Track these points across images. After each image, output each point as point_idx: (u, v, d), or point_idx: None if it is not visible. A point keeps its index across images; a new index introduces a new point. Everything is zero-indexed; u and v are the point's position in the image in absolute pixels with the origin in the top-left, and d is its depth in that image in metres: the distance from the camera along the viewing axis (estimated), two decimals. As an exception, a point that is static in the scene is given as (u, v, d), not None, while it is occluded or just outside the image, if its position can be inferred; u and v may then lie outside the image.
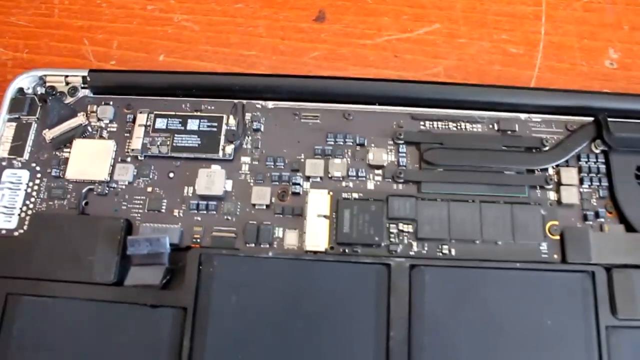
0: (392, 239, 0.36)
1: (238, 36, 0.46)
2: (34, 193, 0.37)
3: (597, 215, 0.37)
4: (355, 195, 0.37)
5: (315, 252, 0.35)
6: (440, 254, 0.35)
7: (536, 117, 0.39)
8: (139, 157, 0.38)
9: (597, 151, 0.38)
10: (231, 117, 0.38)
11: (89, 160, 0.38)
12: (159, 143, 0.38)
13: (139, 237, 0.34)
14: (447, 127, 0.39)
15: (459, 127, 0.39)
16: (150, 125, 0.38)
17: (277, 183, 0.37)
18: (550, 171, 0.38)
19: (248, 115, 0.39)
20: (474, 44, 0.45)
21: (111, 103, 0.39)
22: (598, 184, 0.37)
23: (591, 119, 0.39)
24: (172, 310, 0.34)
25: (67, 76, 0.40)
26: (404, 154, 0.38)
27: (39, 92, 0.40)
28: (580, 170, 0.38)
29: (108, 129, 0.39)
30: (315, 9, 0.47)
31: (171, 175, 0.38)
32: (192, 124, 0.38)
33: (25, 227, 0.36)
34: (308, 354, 0.33)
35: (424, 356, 0.33)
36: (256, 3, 0.47)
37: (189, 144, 0.38)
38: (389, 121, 0.39)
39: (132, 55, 0.45)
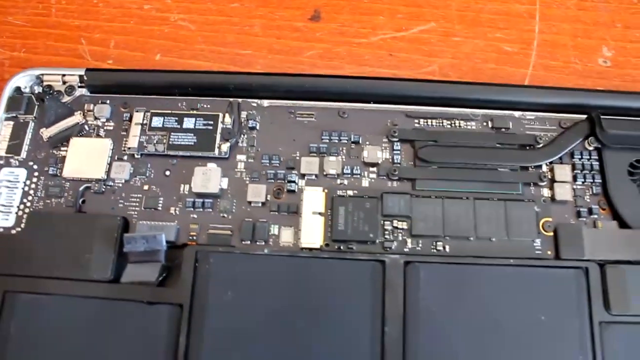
0: (386, 236, 0.36)
1: (234, 35, 0.46)
2: (31, 191, 0.37)
3: (590, 211, 0.37)
4: (350, 192, 0.37)
5: (310, 249, 0.35)
6: (435, 250, 0.36)
7: (530, 115, 0.39)
8: (136, 156, 0.38)
9: (591, 148, 0.38)
10: (227, 115, 0.39)
11: (86, 159, 0.38)
12: (155, 141, 0.38)
13: (135, 235, 0.34)
14: (441, 124, 0.39)
15: (453, 125, 0.39)
16: (146, 123, 0.39)
17: (273, 181, 0.37)
18: (544, 168, 0.38)
19: (244, 114, 0.39)
20: (468, 43, 0.46)
21: (108, 102, 0.40)
22: (591, 180, 0.38)
23: (584, 116, 0.39)
24: (168, 307, 0.34)
25: (64, 75, 0.40)
26: (399, 152, 0.38)
27: (36, 91, 0.40)
28: (573, 167, 0.38)
29: (105, 128, 0.39)
30: (310, 8, 0.47)
31: (167, 173, 0.38)
32: (188, 123, 0.38)
33: (22, 226, 0.36)
34: (304, 351, 0.33)
35: (419, 352, 0.33)
36: (252, 2, 0.47)
37: (185, 142, 0.38)
38: (383, 119, 0.39)
39: (129, 54, 0.45)
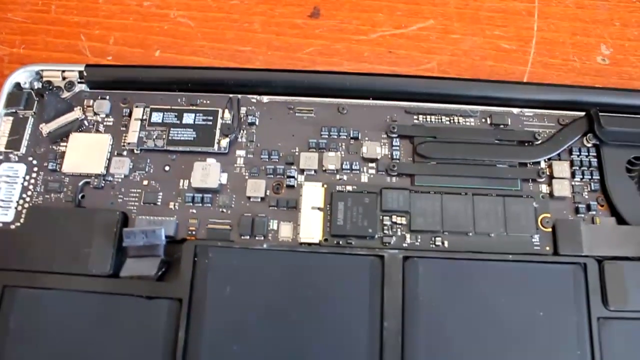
0: (385, 231, 0.36)
1: (233, 32, 0.46)
2: (31, 186, 0.37)
3: (588, 208, 0.37)
4: (349, 188, 0.37)
5: (309, 244, 0.35)
6: (434, 245, 0.36)
7: (528, 112, 0.39)
8: (135, 151, 0.38)
9: (589, 145, 0.38)
10: (226, 111, 0.39)
11: (86, 154, 0.38)
12: (154, 137, 0.38)
13: (134, 229, 0.34)
14: (440, 121, 0.39)
15: (452, 121, 0.39)
16: (146, 119, 0.39)
17: (272, 176, 0.37)
18: (543, 164, 0.38)
19: (243, 109, 0.39)
20: (467, 40, 0.46)
21: (107, 97, 0.40)
22: (590, 177, 0.38)
23: (583, 113, 0.39)
24: (167, 302, 0.34)
25: (63, 71, 0.40)
26: (398, 148, 0.38)
27: (35, 87, 0.40)
28: (572, 163, 0.38)
29: (104, 123, 0.39)
30: (309, 5, 0.47)
31: (167, 168, 0.38)
32: (188, 118, 0.38)
33: (21, 221, 0.36)
34: (302, 345, 0.33)
35: (418, 347, 0.33)
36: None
37: (184, 138, 0.38)
38: (382, 115, 0.39)
39: (128, 51, 0.46)
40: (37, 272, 0.35)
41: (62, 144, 0.39)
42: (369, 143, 0.38)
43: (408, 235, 0.36)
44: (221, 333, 0.33)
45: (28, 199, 0.37)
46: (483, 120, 0.39)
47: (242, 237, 0.36)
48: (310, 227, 0.36)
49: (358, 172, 0.38)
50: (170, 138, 0.38)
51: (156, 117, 0.39)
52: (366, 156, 0.38)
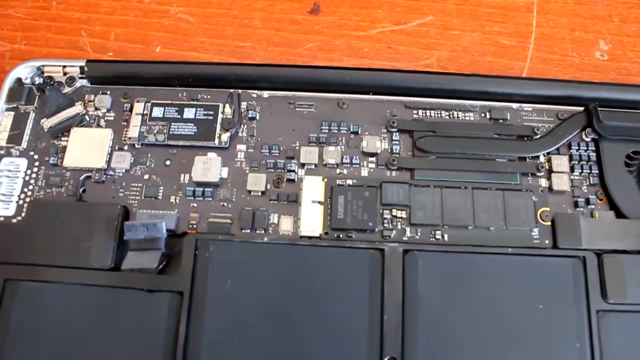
0: (385, 225, 0.36)
1: (234, 28, 0.46)
2: (32, 181, 0.38)
3: (587, 201, 0.37)
4: (349, 181, 0.37)
5: (310, 238, 0.36)
6: (433, 239, 0.36)
7: (528, 107, 0.40)
8: (136, 145, 0.38)
9: (588, 139, 0.39)
10: (227, 105, 0.39)
11: (87, 149, 0.38)
12: (155, 131, 0.38)
13: (135, 222, 0.34)
14: (439, 115, 0.39)
15: (451, 116, 0.39)
16: (147, 113, 0.39)
17: (273, 170, 0.38)
18: (542, 159, 0.38)
19: (244, 104, 0.39)
20: (466, 36, 0.46)
21: (108, 92, 0.40)
22: (589, 171, 0.38)
23: (582, 108, 0.39)
24: (168, 295, 0.34)
25: (64, 66, 0.40)
26: (398, 142, 0.38)
27: (36, 82, 0.40)
28: (571, 158, 0.38)
29: (105, 118, 0.39)
30: (309, 1, 0.47)
31: (168, 162, 0.38)
32: (189, 113, 0.39)
33: (23, 214, 0.37)
34: (303, 338, 0.33)
35: (418, 339, 0.33)
36: (251, -5, 0.48)
37: (185, 132, 0.38)
38: (382, 110, 0.39)
39: (129, 47, 0.46)
40: (39, 265, 0.35)
41: (63, 138, 0.39)
42: (369, 137, 0.38)
43: (408, 229, 0.36)
44: (222, 326, 0.33)
45: (29, 193, 0.37)
46: (482, 115, 0.39)
47: (243, 231, 0.36)
48: (311, 221, 0.36)
49: (358, 166, 0.38)
50: (171, 133, 0.38)
51: (157, 112, 0.39)
52: (366, 150, 0.38)
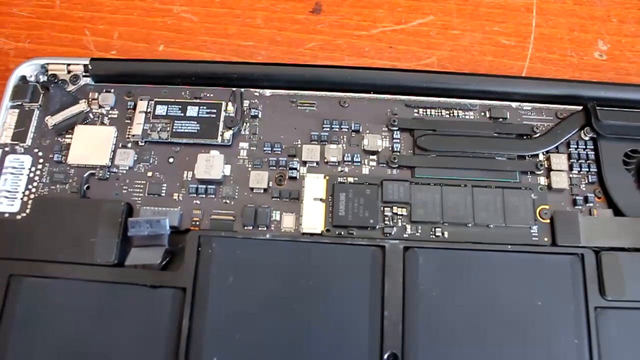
0: (386, 222, 0.36)
1: (236, 27, 0.47)
2: (36, 178, 0.38)
3: (586, 200, 0.38)
4: (350, 179, 0.37)
5: (311, 235, 0.36)
6: (434, 236, 0.36)
7: (527, 106, 0.40)
8: (140, 143, 0.39)
9: (587, 138, 0.39)
10: (230, 104, 0.39)
11: (91, 146, 0.38)
12: (159, 129, 0.39)
13: (139, 219, 0.35)
14: (440, 114, 0.40)
15: (451, 115, 0.40)
16: (150, 111, 0.39)
17: (275, 168, 0.38)
18: (541, 157, 0.38)
19: (246, 103, 0.40)
20: (466, 36, 0.46)
21: (112, 90, 0.40)
22: (587, 169, 0.38)
23: (580, 107, 0.40)
24: (171, 291, 0.34)
25: (69, 64, 0.41)
26: (398, 140, 0.39)
27: (41, 80, 0.41)
28: (569, 156, 0.39)
29: (109, 116, 0.40)
30: (311, 0, 0.48)
31: (171, 160, 0.38)
32: (192, 111, 0.39)
33: (27, 211, 0.37)
34: (304, 333, 0.34)
35: (418, 335, 0.34)
36: (254, -5, 0.48)
37: (188, 130, 0.38)
38: (383, 108, 0.40)
39: (132, 45, 0.46)
40: (43, 261, 0.35)
41: (67, 136, 0.39)
42: (370, 136, 0.38)
43: (409, 226, 0.36)
44: (224, 322, 0.34)
45: (34, 190, 0.38)
46: (482, 113, 0.40)
47: (245, 228, 0.36)
48: (312, 218, 0.36)
49: (359, 164, 0.38)
50: (174, 130, 0.38)
51: (160, 110, 0.39)
52: (367, 148, 0.38)
